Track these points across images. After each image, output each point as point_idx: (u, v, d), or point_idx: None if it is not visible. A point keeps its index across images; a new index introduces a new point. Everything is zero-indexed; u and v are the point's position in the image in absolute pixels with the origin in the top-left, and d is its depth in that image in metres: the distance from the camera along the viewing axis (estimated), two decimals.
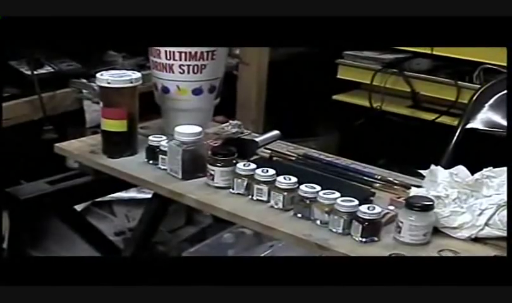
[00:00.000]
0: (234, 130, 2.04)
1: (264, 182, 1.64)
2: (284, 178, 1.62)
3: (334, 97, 3.31)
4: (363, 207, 1.49)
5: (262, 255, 2.77)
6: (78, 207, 2.51)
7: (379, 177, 1.78)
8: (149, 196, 2.45)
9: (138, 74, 1.88)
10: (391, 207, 1.60)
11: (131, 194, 2.82)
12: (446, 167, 1.63)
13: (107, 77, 1.85)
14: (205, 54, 1.94)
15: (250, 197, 1.67)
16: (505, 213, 1.49)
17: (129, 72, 1.89)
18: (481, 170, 1.59)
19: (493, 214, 1.50)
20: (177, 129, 1.76)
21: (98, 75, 1.87)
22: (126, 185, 2.12)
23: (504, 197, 1.51)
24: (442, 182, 1.58)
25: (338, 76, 3.29)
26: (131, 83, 1.85)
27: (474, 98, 2.40)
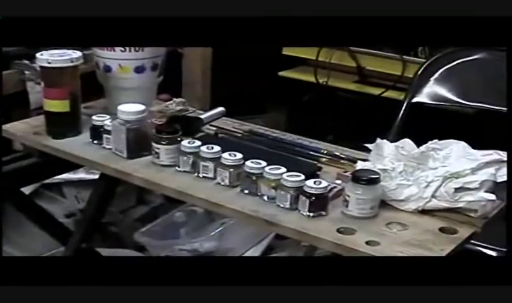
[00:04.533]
0: (178, 108, 2.02)
1: (210, 159, 1.63)
2: (230, 154, 1.61)
3: (280, 73, 3.30)
4: (310, 182, 1.49)
5: (213, 233, 2.79)
6: (27, 190, 2.48)
7: (325, 152, 1.77)
8: (98, 176, 2.43)
9: (78, 53, 1.86)
10: (338, 182, 1.60)
11: (80, 175, 2.82)
12: (393, 141, 1.63)
13: (47, 57, 1.82)
14: None
15: (196, 174, 1.66)
16: (451, 184, 1.50)
17: (70, 52, 1.86)
18: (427, 143, 1.59)
19: (440, 186, 1.50)
20: (121, 107, 1.74)
21: (38, 55, 1.85)
22: (74, 166, 2.09)
23: (450, 168, 1.52)
24: (388, 155, 1.58)
25: (283, 52, 3.28)
26: (72, 62, 1.83)
27: (419, 72, 2.42)
